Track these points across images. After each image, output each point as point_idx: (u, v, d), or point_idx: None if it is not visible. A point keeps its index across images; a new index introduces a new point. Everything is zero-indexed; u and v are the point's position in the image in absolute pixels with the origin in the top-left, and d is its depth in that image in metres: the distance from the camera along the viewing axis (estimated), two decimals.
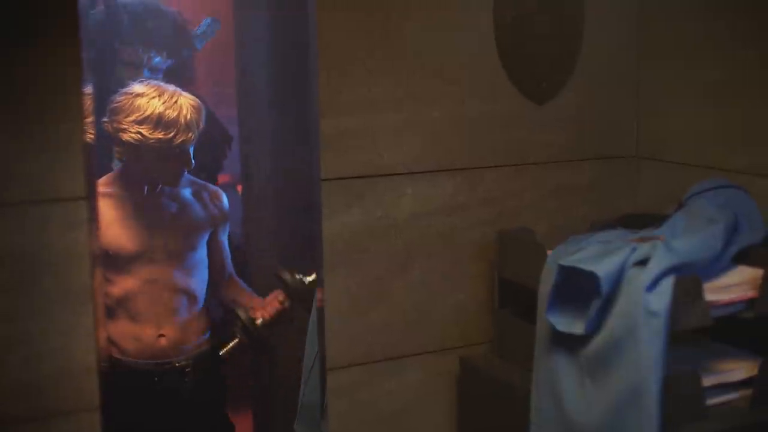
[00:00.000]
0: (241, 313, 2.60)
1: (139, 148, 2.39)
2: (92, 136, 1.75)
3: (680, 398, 1.67)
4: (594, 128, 2.29)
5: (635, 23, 2.31)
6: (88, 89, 1.72)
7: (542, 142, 2.22)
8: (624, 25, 2.30)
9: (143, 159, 2.43)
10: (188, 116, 2.40)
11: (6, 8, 1.60)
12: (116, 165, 2.61)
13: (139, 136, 2.37)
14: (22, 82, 1.63)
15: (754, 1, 2.03)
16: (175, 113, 2.39)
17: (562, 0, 2.21)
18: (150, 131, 2.37)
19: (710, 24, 2.14)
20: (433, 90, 2.08)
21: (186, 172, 2.52)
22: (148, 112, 2.38)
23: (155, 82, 2.48)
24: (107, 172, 2.60)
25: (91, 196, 1.72)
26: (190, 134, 2.40)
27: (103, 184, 2.48)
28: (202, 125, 2.46)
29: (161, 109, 2.38)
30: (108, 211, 2.45)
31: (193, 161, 2.47)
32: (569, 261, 1.72)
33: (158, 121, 2.37)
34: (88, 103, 1.72)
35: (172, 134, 2.38)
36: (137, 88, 2.43)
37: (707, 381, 1.73)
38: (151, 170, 2.46)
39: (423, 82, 2.06)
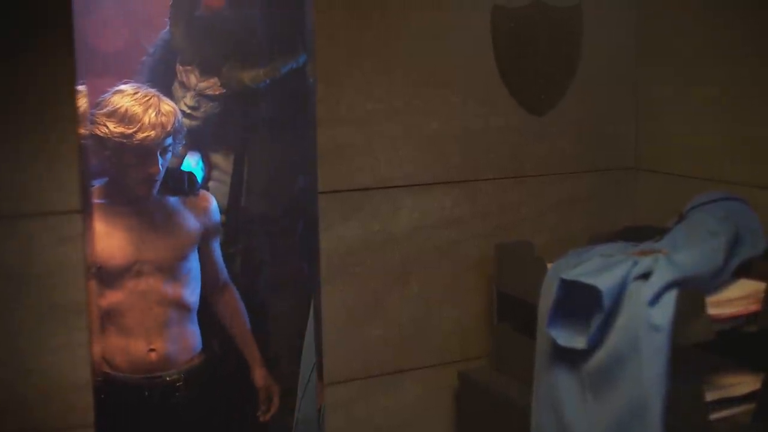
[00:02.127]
0: None
1: (104, 142, 2.38)
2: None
3: (683, 413, 1.65)
4: (593, 140, 2.28)
5: (634, 34, 2.30)
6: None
7: (541, 153, 2.21)
8: (622, 37, 2.30)
9: (110, 156, 2.41)
10: (153, 115, 2.38)
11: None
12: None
13: (105, 129, 2.37)
14: (14, 92, 1.61)
15: (754, 11, 2.02)
16: (141, 110, 2.38)
17: (560, 11, 2.20)
18: (114, 125, 2.36)
19: (710, 35, 2.13)
20: (431, 101, 2.07)
21: (158, 182, 2.47)
22: (116, 107, 2.38)
23: (143, 86, 2.47)
24: None
25: (86, 209, 1.70)
26: (151, 132, 2.37)
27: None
28: (170, 128, 2.42)
29: (129, 104, 2.38)
30: (95, 224, 2.42)
31: (161, 168, 2.44)
32: (571, 275, 1.70)
33: (123, 116, 2.37)
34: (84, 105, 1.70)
35: (132, 130, 2.36)
36: (123, 86, 2.45)
37: (710, 396, 1.71)
38: (119, 172, 2.44)
39: (421, 94, 2.05)
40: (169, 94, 2.72)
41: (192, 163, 2.86)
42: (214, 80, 2.76)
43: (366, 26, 1.98)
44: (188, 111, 2.78)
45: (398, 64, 2.02)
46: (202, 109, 2.76)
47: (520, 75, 2.16)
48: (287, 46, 2.75)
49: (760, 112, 2.02)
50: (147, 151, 2.39)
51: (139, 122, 2.36)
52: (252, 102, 2.81)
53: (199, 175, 2.81)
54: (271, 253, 2.89)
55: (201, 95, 2.75)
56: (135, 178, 2.43)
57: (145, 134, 2.36)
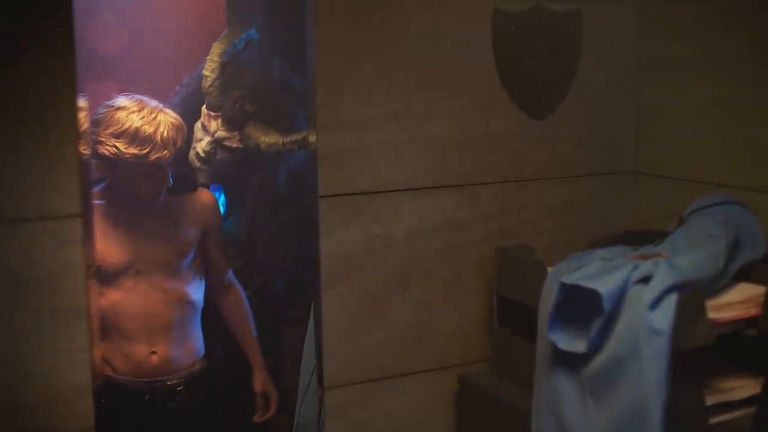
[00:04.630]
0: None
1: (114, 162, 2.36)
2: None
3: (683, 417, 1.65)
4: (593, 144, 2.28)
5: (633, 38, 2.30)
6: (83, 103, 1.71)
7: (541, 157, 2.21)
8: (622, 40, 2.30)
9: (120, 174, 2.40)
10: (165, 133, 2.36)
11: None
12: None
13: (114, 149, 2.34)
14: (14, 94, 1.61)
15: (753, 13, 2.02)
16: (152, 129, 2.35)
17: (560, 16, 2.20)
18: (126, 146, 2.34)
19: (709, 38, 2.13)
20: (432, 105, 2.07)
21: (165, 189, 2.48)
22: (125, 126, 2.34)
23: (138, 96, 2.45)
24: None
25: (86, 213, 1.69)
26: (165, 152, 2.36)
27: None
28: (180, 143, 2.43)
29: (138, 124, 2.35)
30: (95, 226, 2.41)
31: (171, 179, 2.43)
32: (571, 279, 1.70)
33: (134, 136, 2.34)
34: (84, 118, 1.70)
35: (147, 150, 2.34)
36: (120, 101, 2.41)
37: (710, 400, 1.71)
38: (129, 186, 2.43)
39: (421, 98, 2.05)
40: (191, 131, 2.70)
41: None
42: (234, 133, 2.72)
43: (366, 30, 1.98)
44: (202, 155, 2.76)
45: (398, 68, 2.02)
46: (217, 156, 2.74)
47: (520, 79, 2.16)
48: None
49: (760, 115, 2.02)
50: (160, 168, 2.39)
51: (153, 142, 2.34)
52: (271, 161, 2.77)
53: (222, 210, 2.82)
54: (285, 287, 2.90)
55: (218, 144, 2.73)
56: (146, 191, 2.43)
57: (160, 154, 2.35)
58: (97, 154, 2.35)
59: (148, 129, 2.35)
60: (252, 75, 2.70)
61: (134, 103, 2.39)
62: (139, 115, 2.36)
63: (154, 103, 2.43)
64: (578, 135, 2.26)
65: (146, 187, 2.42)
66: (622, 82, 2.31)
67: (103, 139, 2.34)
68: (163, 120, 2.38)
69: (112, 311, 2.44)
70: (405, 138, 2.04)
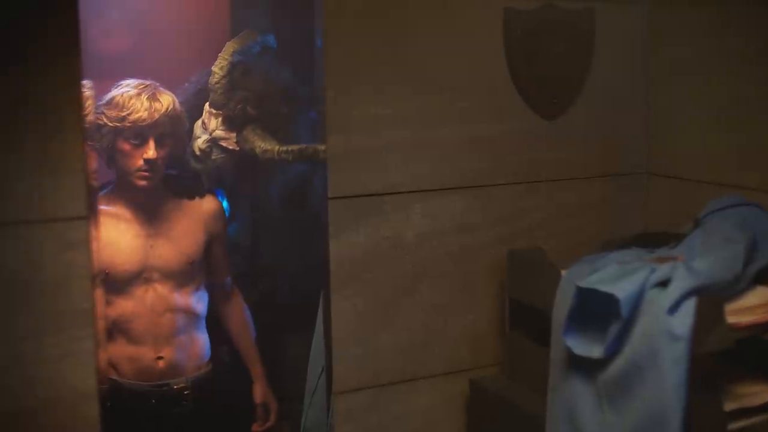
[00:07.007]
0: None
1: (101, 129, 2.40)
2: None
3: (702, 423, 1.61)
4: (605, 144, 2.26)
5: (646, 37, 2.28)
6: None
7: (552, 158, 2.19)
8: (634, 41, 2.28)
9: (108, 144, 2.41)
10: (145, 98, 2.40)
11: (3, 22, 1.55)
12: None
13: (103, 116, 2.40)
14: (18, 95, 1.58)
15: (767, 17, 2.00)
16: (134, 93, 2.41)
17: (572, 15, 2.18)
18: (110, 111, 2.40)
19: (721, 38, 2.11)
20: (442, 106, 2.04)
21: (156, 173, 2.45)
22: (113, 94, 2.42)
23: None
24: None
25: (91, 216, 1.67)
26: (144, 113, 2.38)
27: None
28: (164, 111, 2.42)
29: (125, 90, 2.42)
30: (102, 231, 2.40)
31: (157, 153, 2.41)
32: (587, 283, 1.67)
33: (118, 102, 2.40)
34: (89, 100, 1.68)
35: (126, 112, 2.38)
36: (125, 81, 2.47)
37: (728, 406, 1.67)
38: (117, 161, 2.43)
39: (432, 98, 2.03)
40: (192, 128, 2.69)
41: None
42: (232, 134, 2.69)
43: (375, 31, 1.96)
44: (197, 153, 2.74)
45: (409, 68, 2.00)
46: (212, 156, 2.71)
47: (532, 79, 2.14)
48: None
49: None
50: (140, 134, 2.38)
51: (132, 105, 2.39)
52: (269, 166, 2.74)
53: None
54: (290, 293, 2.87)
55: (214, 143, 2.70)
56: (132, 167, 2.40)
57: (138, 115, 2.38)
58: (92, 125, 2.37)
59: (131, 93, 2.41)
60: (260, 79, 2.68)
61: (134, 82, 2.46)
62: (129, 86, 2.44)
63: (152, 82, 2.48)
64: (590, 136, 2.24)
65: (132, 160, 2.41)
66: (634, 82, 2.29)
67: (97, 111, 2.40)
68: (149, 90, 2.43)
69: (120, 318, 2.43)
70: (415, 139, 2.02)
